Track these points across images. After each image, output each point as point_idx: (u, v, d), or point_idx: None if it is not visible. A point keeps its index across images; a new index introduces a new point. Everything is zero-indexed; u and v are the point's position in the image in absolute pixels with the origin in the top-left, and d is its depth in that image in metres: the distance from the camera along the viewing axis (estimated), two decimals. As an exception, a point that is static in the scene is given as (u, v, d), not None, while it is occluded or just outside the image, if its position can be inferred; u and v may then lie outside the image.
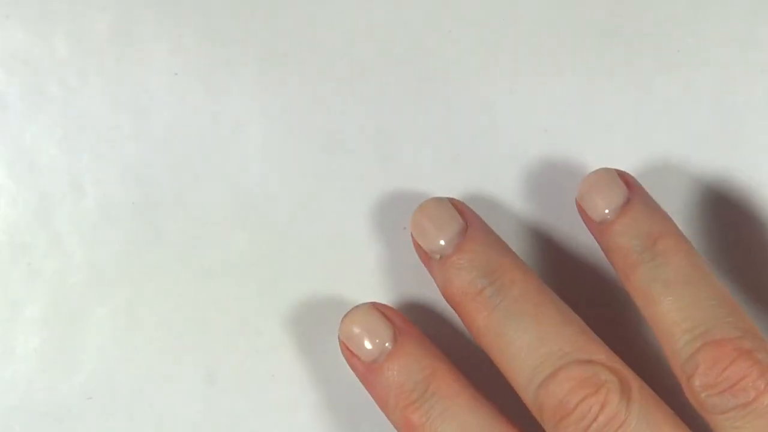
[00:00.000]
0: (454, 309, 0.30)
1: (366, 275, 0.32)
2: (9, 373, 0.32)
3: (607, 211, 0.29)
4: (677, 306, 0.28)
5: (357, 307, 0.31)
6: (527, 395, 0.28)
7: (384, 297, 0.32)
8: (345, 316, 0.30)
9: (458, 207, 0.30)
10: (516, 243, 0.32)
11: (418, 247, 0.31)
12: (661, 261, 0.28)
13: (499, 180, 0.32)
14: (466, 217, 0.30)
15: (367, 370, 0.30)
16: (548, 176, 0.32)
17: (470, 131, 0.33)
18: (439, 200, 0.30)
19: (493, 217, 0.32)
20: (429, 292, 0.32)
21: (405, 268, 0.32)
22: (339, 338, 0.31)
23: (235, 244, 0.32)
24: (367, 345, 0.30)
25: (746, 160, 0.33)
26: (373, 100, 0.33)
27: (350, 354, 0.30)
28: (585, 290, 0.33)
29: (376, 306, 0.31)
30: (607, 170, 0.30)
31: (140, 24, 0.32)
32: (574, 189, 0.30)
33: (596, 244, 0.31)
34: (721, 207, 0.33)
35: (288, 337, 0.32)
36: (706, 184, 0.33)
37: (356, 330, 0.30)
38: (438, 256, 0.30)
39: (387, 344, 0.30)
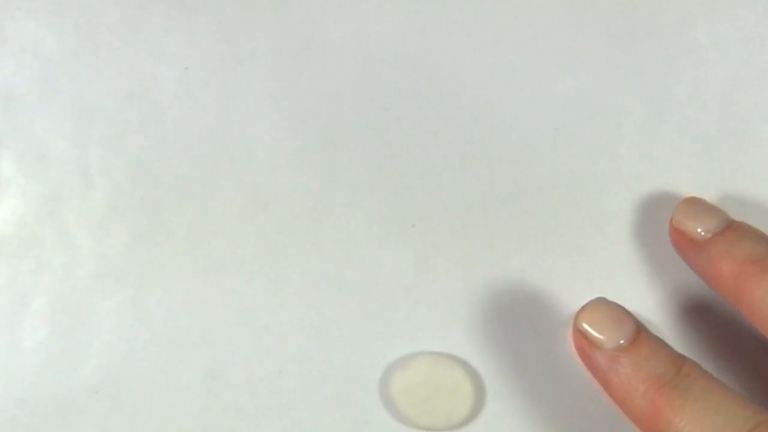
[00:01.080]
0: (721, 290, 0.29)
1: (374, 272, 0.32)
2: (16, 366, 0.32)
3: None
4: None
5: (594, 300, 0.30)
6: None
7: (393, 292, 0.32)
8: (583, 308, 0.30)
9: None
10: (525, 242, 0.32)
11: (678, 234, 0.31)
12: None
13: (508, 179, 0.32)
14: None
15: (609, 359, 0.29)
16: (558, 175, 0.32)
17: (480, 129, 0.33)
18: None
19: (502, 216, 0.32)
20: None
21: (412, 265, 0.32)
22: (576, 330, 0.30)
23: (243, 240, 0.32)
24: (613, 332, 0.29)
25: (755, 161, 0.33)
26: (383, 98, 0.33)
27: (589, 345, 0.29)
28: (592, 288, 0.32)
29: (614, 302, 0.30)
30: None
31: (151, 18, 0.32)
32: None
33: (599, 245, 0.31)
34: (730, 207, 0.32)
35: (295, 333, 0.32)
36: (715, 184, 0.33)
37: (600, 318, 0.29)
38: (709, 234, 0.30)
39: (630, 333, 0.29)
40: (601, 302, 0.30)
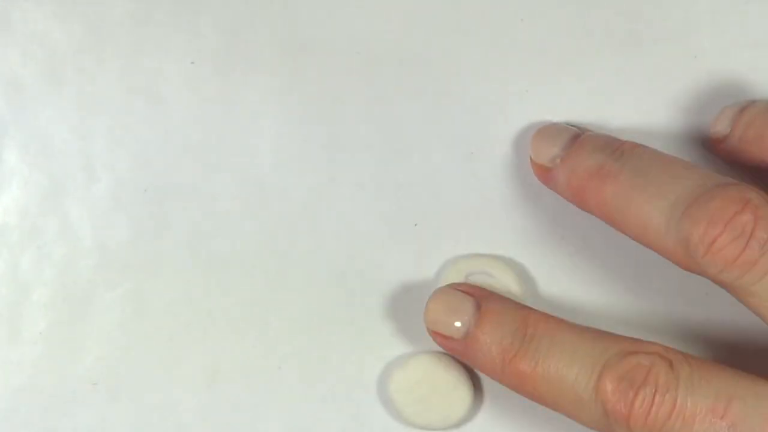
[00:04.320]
0: (579, 202, 0.30)
1: (374, 270, 0.32)
2: (16, 356, 0.32)
3: None
4: None
5: (433, 293, 0.31)
6: (669, 236, 0.27)
7: (393, 292, 0.32)
8: (426, 306, 0.31)
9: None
10: (529, 240, 0.32)
11: (535, 166, 0.31)
12: None
13: (512, 179, 0.32)
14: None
15: (464, 346, 0.30)
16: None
17: (483, 130, 0.33)
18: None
19: (506, 215, 0.32)
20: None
21: (414, 264, 0.32)
22: (427, 328, 0.31)
23: (245, 235, 0.32)
24: (456, 323, 0.30)
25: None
26: (388, 96, 0.33)
27: (444, 339, 0.30)
28: (596, 287, 0.32)
29: (450, 287, 0.31)
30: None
31: (158, 11, 0.33)
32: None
33: (607, 243, 0.31)
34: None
35: (294, 330, 0.32)
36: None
37: (441, 315, 0.30)
38: (558, 160, 0.30)
39: (473, 314, 0.30)
40: (436, 296, 0.31)
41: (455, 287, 0.31)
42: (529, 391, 0.29)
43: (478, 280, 0.32)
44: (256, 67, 0.33)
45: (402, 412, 0.32)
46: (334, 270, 0.33)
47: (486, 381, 0.32)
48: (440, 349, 0.32)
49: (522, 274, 0.32)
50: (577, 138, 0.31)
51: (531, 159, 0.31)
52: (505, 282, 0.31)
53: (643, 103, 0.32)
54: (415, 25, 0.33)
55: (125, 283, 0.32)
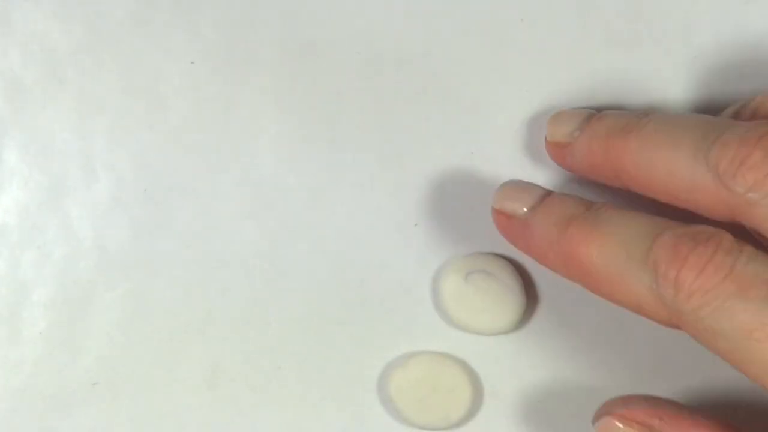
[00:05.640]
0: (598, 167, 0.29)
1: (374, 270, 0.32)
2: (15, 356, 0.32)
3: None
4: None
5: (506, 181, 0.31)
6: (694, 172, 0.26)
7: (393, 292, 0.32)
8: (497, 190, 0.31)
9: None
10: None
11: (551, 145, 0.31)
12: None
13: (512, 179, 0.32)
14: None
15: (523, 223, 0.29)
16: (564, 176, 0.32)
17: (483, 130, 0.33)
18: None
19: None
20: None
21: (415, 264, 0.32)
22: (493, 210, 0.30)
23: (245, 235, 0.32)
24: (521, 198, 0.30)
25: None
26: (389, 96, 0.33)
27: (506, 219, 0.30)
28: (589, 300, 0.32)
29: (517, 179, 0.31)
30: None
31: (158, 11, 0.33)
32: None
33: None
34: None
35: (295, 330, 0.32)
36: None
37: (508, 191, 0.30)
38: (576, 133, 0.30)
39: (539, 195, 0.30)
40: (511, 180, 0.31)
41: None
42: (576, 261, 0.28)
43: (478, 279, 0.32)
44: (255, 67, 0.33)
45: (402, 412, 0.32)
46: (334, 270, 0.33)
47: (486, 381, 0.32)
48: (440, 349, 0.32)
49: (522, 273, 0.32)
50: (594, 115, 0.30)
51: (546, 140, 0.31)
52: (505, 281, 0.32)
53: (643, 103, 0.32)
54: (415, 25, 0.33)
55: (125, 283, 0.32)
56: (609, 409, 0.30)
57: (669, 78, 0.32)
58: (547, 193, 0.30)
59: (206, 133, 0.33)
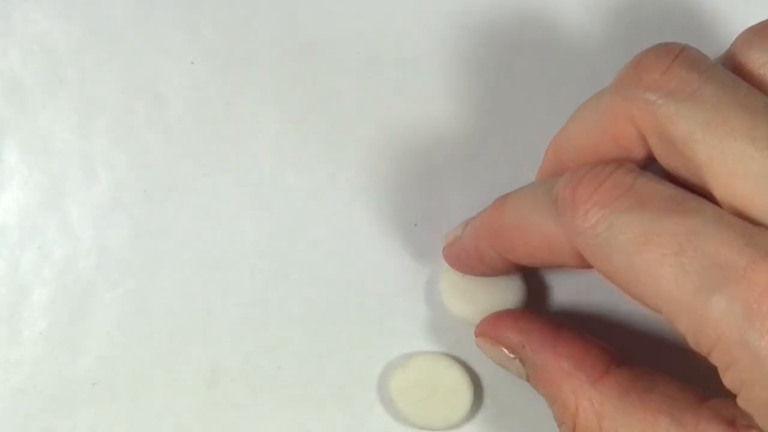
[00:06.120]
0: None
1: (374, 270, 0.32)
2: (15, 356, 0.32)
3: None
4: None
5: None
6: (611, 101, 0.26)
7: (392, 292, 0.32)
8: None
9: None
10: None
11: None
12: None
13: (512, 180, 0.32)
14: None
15: (458, 241, 0.30)
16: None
17: (484, 131, 0.33)
18: None
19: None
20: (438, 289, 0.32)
21: (414, 264, 0.32)
22: (443, 251, 0.31)
23: (245, 236, 0.32)
24: (455, 231, 0.31)
25: None
26: (388, 96, 0.33)
27: (450, 247, 0.31)
28: (597, 284, 0.32)
29: None
30: None
31: (158, 11, 0.33)
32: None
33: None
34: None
35: (295, 330, 0.32)
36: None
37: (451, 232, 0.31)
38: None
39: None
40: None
41: None
42: (497, 227, 0.28)
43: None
44: (255, 67, 0.33)
45: (402, 412, 0.32)
46: (333, 270, 0.33)
47: (486, 382, 0.32)
48: (440, 349, 0.32)
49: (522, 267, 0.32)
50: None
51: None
52: (505, 279, 0.31)
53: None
54: (415, 25, 0.33)
55: (125, 283, 0.32)
56: (482, 329, 0.30)
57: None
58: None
59: (206, 133, 0.33)
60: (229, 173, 0.33)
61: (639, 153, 0.26)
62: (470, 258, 0.30)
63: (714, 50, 0.30)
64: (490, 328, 0.30)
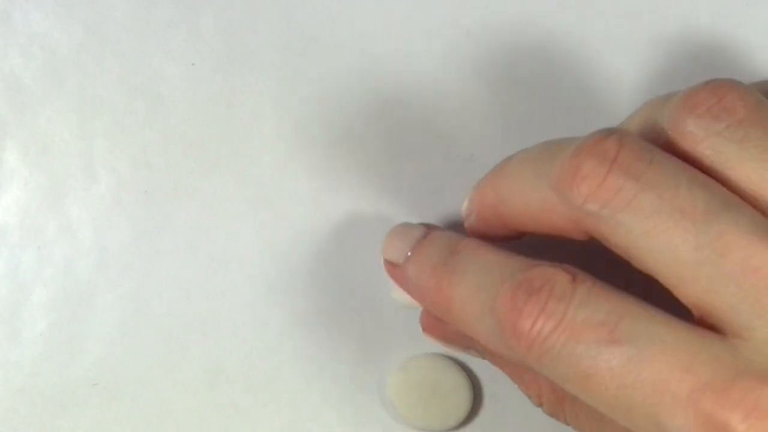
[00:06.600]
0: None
1: (374, 271, 0.32)
2: (15, 356, 0.32)
3: None
4: None
5: (388, 232, 0.31)
6: (546, 194, 0.27)
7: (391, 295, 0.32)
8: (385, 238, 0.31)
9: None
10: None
11: (389, 266, 0.31)
12: None
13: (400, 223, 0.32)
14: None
15: (403, 270, 0.30)
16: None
17: (485, 132, 0.33)
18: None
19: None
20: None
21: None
22: (384, 260, 0.30)
23: (245, 236, 0.32)
24: (398, 246, 0.30)
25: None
26: (388, 96, 0.33)
27: (392, 268, 0.30)
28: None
29: (402, 223, 0.31)
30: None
31: (158, 12, 0.33)
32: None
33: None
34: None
35: (295, 331, 0.32)
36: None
37: (389, 240, 0.30)
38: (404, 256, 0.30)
39: (415, 240, 0.30)
40: (393, 227, 0.31)
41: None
42: (445, 307, 0.28)
43: None
44: (255, 68, 0.33)
45: (401, 413, 0.32)
46: (334, 270, 0.33)
47: (485, 383, 0.32)
48: (440, 351, 0.32)
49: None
50: (426, 235, 0.30)
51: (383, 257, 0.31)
52: None
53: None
54: (415, 25, 0.33)
55: (125, 283, 0.32)
56: (427, 326, 0.31)
57: (668, 77, 0.32)
58: (424, 235, 0.30)
59: (206, 134, 0.33)
60: (230, 173, 0.33)
61: (580, 236, 0.27)
62: (410, 291, 0.30)
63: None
64: (435, 329, 0.31)
